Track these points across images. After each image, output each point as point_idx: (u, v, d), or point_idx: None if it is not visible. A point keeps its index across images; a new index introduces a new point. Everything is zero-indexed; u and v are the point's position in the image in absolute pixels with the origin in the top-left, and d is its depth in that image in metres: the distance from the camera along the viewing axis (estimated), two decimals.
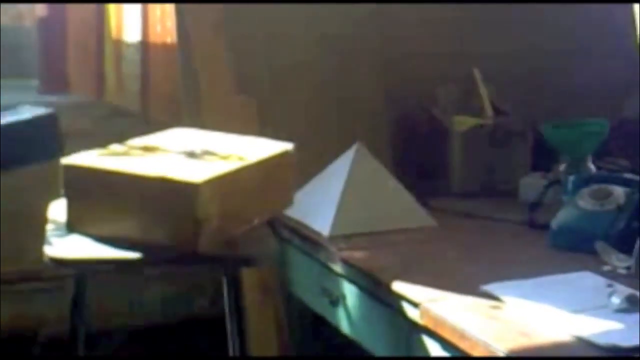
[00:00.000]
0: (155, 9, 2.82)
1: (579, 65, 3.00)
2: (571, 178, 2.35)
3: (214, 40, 2.68)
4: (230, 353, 2.12)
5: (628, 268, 2.03)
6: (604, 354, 1.65)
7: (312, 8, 2.75)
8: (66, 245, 1.87)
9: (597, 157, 2.61)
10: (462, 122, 2.71)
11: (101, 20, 2.89)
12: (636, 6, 3.11)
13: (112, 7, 2.86)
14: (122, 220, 1.86)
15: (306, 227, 2.42)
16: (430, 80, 2.81)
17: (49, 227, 1.97)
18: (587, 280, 1.99)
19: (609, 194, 2.24)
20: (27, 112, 1.88)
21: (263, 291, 2.59)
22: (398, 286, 2.01)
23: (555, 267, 2.05)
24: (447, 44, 2.88)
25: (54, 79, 2.93)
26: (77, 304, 1.93)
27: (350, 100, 2.78)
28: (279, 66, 2.74)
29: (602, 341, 1.67)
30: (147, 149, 1.99)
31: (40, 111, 1.88)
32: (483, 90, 2.75)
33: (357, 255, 2.23)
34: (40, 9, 2.86)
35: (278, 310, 2.61)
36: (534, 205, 2.46)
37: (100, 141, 2.04)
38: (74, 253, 1.85)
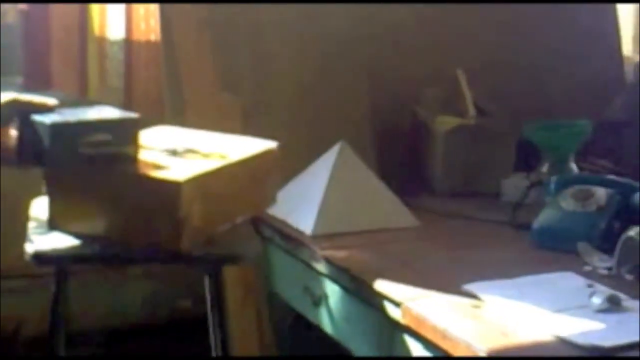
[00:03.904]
0: (139, 6, 2.82)
1: (563, 66, 3.01)
2: (553, 179, 2.35)
3: (198, 38, 2.68)
4: (213, 352, 2.11)
5: (609, 269, 2.04)
6: (585, 354, 1.66)
7: (297, 8, 2.75)
8: (47, 243, 1.86)
9: (580, 158, 2.62)
10: (445, 122, 2.71)
11: (84, 18, 2.88)
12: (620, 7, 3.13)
13: (95, 5, 2.85)
14: (103, 218, 1.86)
15: (289, 225, 2.41)
16: (415, 81, 2.82)
17: (31, 224, 1.96)
18: (568, 281, 1.99)
19: (590, 195, 2.24)
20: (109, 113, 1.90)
21: (245, 290, 2.58)
22: (380, 285, 2.02)
23: (536, 267, 2.06)
24: (432, 45, 2.88)
25: (37, 77, 2.92)
26: (57, 301, 1.93)
27: (334, 99, 2.77)
28: (263, 65, 2.74)
29: (583, 341, 1.68)
30: None
31: (124, 115, 1.89)
32: (467, 91, 2.75)
33: (340, 254, 2.23)
34: (23, 6, 2.84)
35: (260, 309, 2.61)
36: (516, 206, 2.46)
37: None
38: (55, 250, 1.84)
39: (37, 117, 1.78)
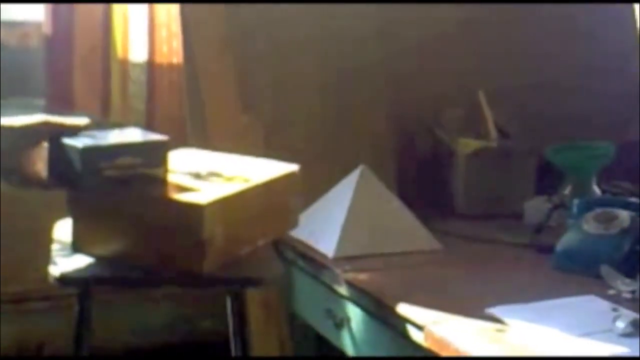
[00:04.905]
0: (162, 29, 2.84)
1: (584, 86, 3.00)
2: (576, 201, 2.35)
3: (220, 61, 2.69)
4: None
5: (633, 292, 2.03)
6: None
7: (316, 29, 2.76)
8: (71, 265, 1.87)
9: (602, 180, 2.61)
10: (467, 145, 2.71)
11: (107, 40, 2.89)
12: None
13: (118, 27, 2.87)
14: (126, 241, 1.87)
15: (311, 248, 2.42)
16: (435, 102, 2.82)
17: (55, 246, 1.97)
18: (592, 304, 1.98)
19: (613, 218, 2.23)
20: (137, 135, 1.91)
21: (267, 312, 2.58)
22: (402, 308, 2.01)
23: (559, 291, 2.05)
24: (452, 66, 2.89)
25: (59, 99, 2.93)
26: (81, 323, 1.93)
27: (355, 122, 2.78)
28: (284, 88, 2.75)
29: None
30: None
31: (154, 137, 1.90)
32: (488, 113, 2.75)
33: (362, 277, 2.23)
34: (47, 29, 2.86)
35: (282, 331, 2.61)
36: (539, 228, 2.46)
37: None
38: (79, 272, 1.85)
39: (68, 141, 1.78)
